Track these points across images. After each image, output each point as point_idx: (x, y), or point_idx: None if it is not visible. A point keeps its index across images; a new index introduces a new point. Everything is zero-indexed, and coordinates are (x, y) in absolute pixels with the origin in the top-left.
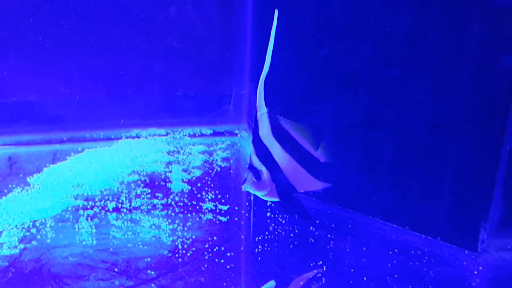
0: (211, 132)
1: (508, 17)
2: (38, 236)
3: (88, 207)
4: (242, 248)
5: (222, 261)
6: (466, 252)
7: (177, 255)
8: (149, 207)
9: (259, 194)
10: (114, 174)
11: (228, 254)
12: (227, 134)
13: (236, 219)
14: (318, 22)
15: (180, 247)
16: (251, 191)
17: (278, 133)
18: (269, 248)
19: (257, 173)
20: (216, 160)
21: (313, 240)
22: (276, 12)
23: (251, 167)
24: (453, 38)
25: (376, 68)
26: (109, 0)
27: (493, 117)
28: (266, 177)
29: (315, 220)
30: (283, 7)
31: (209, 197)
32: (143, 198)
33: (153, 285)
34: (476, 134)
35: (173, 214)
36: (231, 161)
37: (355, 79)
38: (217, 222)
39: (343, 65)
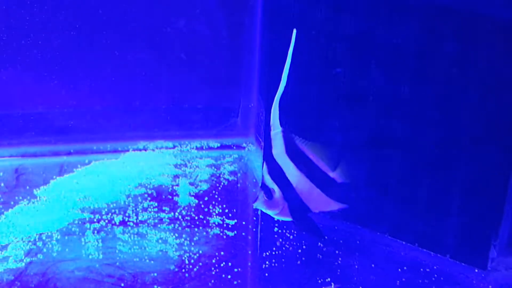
0: (219, 145)
1: None
2: (44, 250)
3: (95, 220)
4: (249, 264)
5: (229, 276)
6: (476, 270)
7: (184, 270)
8: (156, 220)
9: (270, 212)
10: (120, 187)
11: (235, 269)
12: (234, 148)
13: (243, 234)
14: (327, 38)
15: (187, 262)
16: (263, 210)
17: (293, 152)
18: (276, 264)
19: (268, 192)
20: (224, 173)
21: (321, 256)
22: (295, 31)
23: (263, 186)
24: (463, 56)
25: (385, 85)
26: (117, 12)
27: (503, 133)
28: (278, 196)
29: (324, 233)
30: (292, 23)
31: (216, 211)
32: (150, 212)
33: None
34: (485, 151)
35: (180, 228)
36: (239, 174)
37: (364, 97)
38: (224, 236)
39: (352, 82)
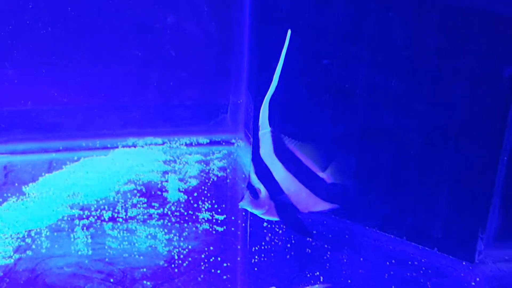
0: (208, 141)
1: (505, 28)
2: (33, 246)
3: (84, 216)
4: (238, 259)
5: (219, 271)
6: (464, 263)
7: (173, 266)
8: (145, 216)
9: (256, 212)
10: (110, 183)
11: (225, 264)
12: (223, 144)
13: (232, 229)
14: (316, 32)
15: (176, 257)
16: (249, 209)
17: (281, 152)
18: (265, 259)
19: (254, 192)
20: (213, 169)
21: (310, 251)
22: (289, 32)
23: (249, 185)
24: (451, 48)
25: (374, 78)
26: (106, 9)
27: (490, 127)
28: (264, 196)
29: (312, 231)
30: (281, 18)
31: (206, 207)
32: (139, 208)
33: None
34: (473, 144)
35: (169, 224)
36: (228, 170)
37: (353, 90)
38: (214, 232)
39: (341, 75)
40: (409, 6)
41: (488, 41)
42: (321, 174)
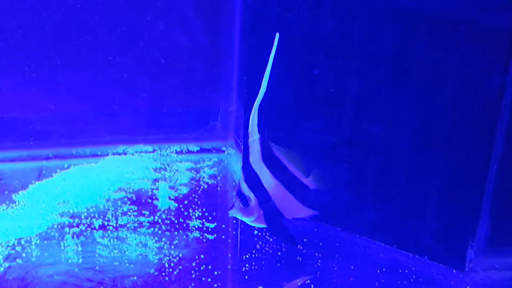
0: (198, 149)
1: (492, 37)
2: (23, 254)
3: (74, 224)
4: (229, 267)
5: (209, 279)
6: (454, 271)
7: (163, 274)
8: (136, 224)
9: (246, 220)
10: (100, 191)
11: (215, 272)
12: (214, 151)
13: (223, 237)
14: (305, 41)
15: (166, 265)
16: (238, 217)
17: (269, 159)
18: (256, 267)
19: (244, 199)
20: (203, 177)
21: (300, 259)
22: (277, 35)
23: (239, 193)
24: (438, 58)
25: (362, 87)
26: (95, 16)
27: (480, 135)
28: (254, 204)
29: (302, 239)
30: (271, 27)
31: (196, 215)
32: (130, 216)
33: None
34: (463, 151)
35: (159, 232)
36: (218, 178)
37: (341, 99)
38: (204, 240)
39: (329, 84)
40: (398, 18)
41: (475, 50)
42: (304, 180)
